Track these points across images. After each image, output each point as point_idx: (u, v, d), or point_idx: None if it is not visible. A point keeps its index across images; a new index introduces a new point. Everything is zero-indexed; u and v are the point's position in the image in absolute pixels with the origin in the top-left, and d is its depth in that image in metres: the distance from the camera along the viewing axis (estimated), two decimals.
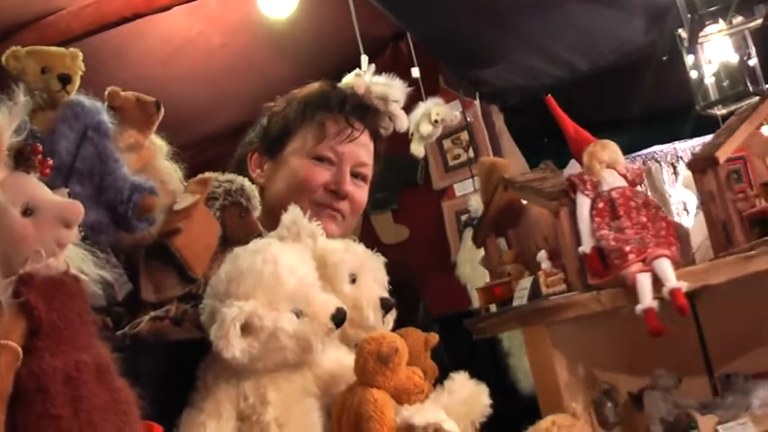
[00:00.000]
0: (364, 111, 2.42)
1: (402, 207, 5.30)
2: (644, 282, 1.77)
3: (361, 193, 2.39)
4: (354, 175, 2.36)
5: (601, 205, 1.92)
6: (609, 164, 1.94)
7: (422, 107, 3.02)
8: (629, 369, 2.02)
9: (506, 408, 2.07)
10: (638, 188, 1.98)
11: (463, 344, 2.30)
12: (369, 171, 2.42)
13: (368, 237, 5.25)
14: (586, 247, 1.86)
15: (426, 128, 3.00)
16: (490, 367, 3.29)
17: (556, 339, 1.96)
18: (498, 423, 1.66)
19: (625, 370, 2.01)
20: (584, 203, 1.94)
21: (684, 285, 1.73)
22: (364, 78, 2.56)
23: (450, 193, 5.06)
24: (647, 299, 1.74)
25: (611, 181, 1.95)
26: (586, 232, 1.89)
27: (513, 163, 5.02)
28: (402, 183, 5.26)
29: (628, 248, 1.82)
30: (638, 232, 1.85)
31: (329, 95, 2.42)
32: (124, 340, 1.59)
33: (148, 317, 1.65)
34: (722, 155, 1.88)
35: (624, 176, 1.95)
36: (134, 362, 1.54)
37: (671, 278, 1.75)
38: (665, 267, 1.78)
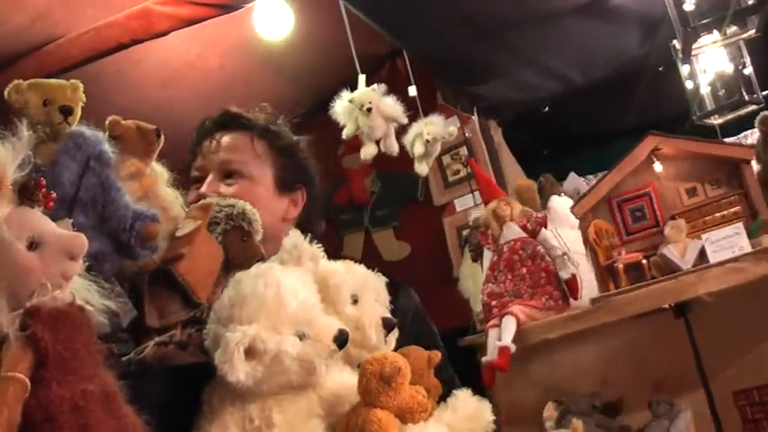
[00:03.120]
0: (223, 122, 2.48)
1: (403, 224, 5.32)
2: (492, 336, 2.00)
3: (237, 190, 2.35)
4: (226, 175, 2.38)
5: (495, 259, 2.13)
6: (511, 217, 2.08)
7: (414, 128, 3.03)
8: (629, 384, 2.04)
9: None
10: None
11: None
12: (243, 165, 2.41)
13: (370, 254, 5.28)
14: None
15: (419, 148, 3.01)
16: None
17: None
18: None
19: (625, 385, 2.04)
20: (486, 257, 2.18)
21: (512, 347, 1.92)
22: (378, 94, 2.59)
23: (451, 208, 5.07)
24: (490, 352, 1.96)
25: (508, 234, 2.13)
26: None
27: (513, 177, 5.05)
28: (403, 200, 5.29)
29: (493, 303, 2.06)
30: (517, 284, 2.05)
31: (198, 130, 2.51)
32: (130, 366, 1.61)
33: (153, 342, 1.66)
34: (578, 212, 2.14)
35: (524, 227, 2.13)
36: (140, 387, 1.57)
37: (505, 337, 1.95)
38: (506, 325, 1.97)
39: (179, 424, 1.52)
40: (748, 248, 1.84)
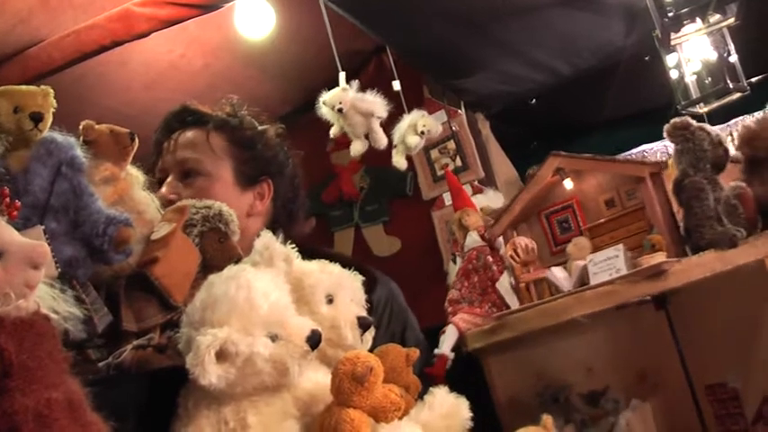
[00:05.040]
0: (181, 119, 2.47)
1: (393, 219, 5.33)
2: (449, 334, 2.19)
3: (197, 189, 2.34)
4: (185, 174, 2.37)
5: (461, 265, 2.30)
6: (474, 227, 2.19)
7: (407, 119, 3.03)
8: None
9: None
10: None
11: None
12: (199, 163, 2.38)
13: (360, 250, 5.29)
14: None
15: (414, 139, 3.01)
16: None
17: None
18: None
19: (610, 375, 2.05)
20: (458, 263, 2.38)
21: (450, 356, 2.11)
22: (348, 93, 2.59)
23: (440, 202, 5.08)
24: (444, 347, 2.15)
25: (469, 243, 2.32)
26: None
27: (502, 170, 5.06)
28: (391, 195, 5.30)
29: (449, 309, 2.26)
30: (470, 292, 2.22)
31: (158, 129, 2.50)
32: (108, 371, 1.61)
33: (131, 346, 1.67)
34: (497, 231, 2.24)
35: (482, 236, 2.29)
36: (118, 391, 1.57)
37: (443, 345, 2.15)
38: (448, 333, 2.18)
39: (157, 427, 1.53)
40: (624, 271, 1.88)
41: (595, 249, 2.04)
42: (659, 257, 1.84)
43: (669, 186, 1.97)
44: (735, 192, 1.86)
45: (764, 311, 1.88)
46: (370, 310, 1.91)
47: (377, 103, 2.60)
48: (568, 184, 2.17)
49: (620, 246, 1.95)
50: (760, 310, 1.88)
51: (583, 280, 1.97)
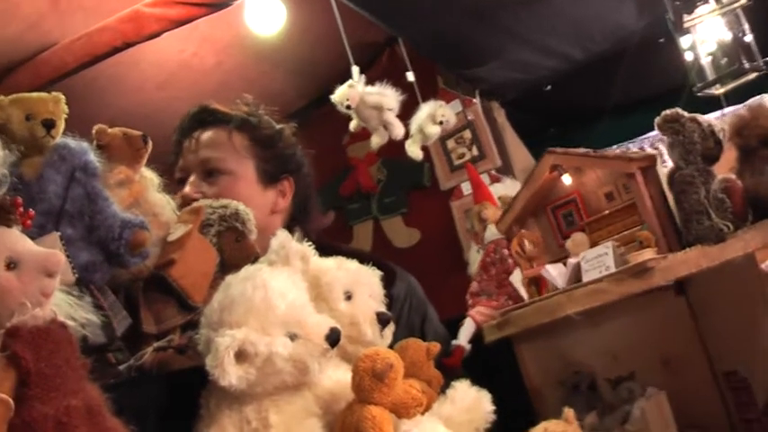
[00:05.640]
0: (200, 119, 2.47)
1: (412, 210, 5.31)
2: (466, 326, 2.26)
3: (221, 187, 2.36)
4: (207, 174, 2.38)
5: (481, 258, 2.37)
6: (493, 220, 2.25)
7: (425, 109, 3.02)
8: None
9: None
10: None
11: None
12: (224, 162, 2.40)
13: (380, 242, 5.28)
14: None
15: (433, 129, 3.00)
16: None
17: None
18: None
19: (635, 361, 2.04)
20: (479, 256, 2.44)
21: (468, 348, 2.20)
22: (356, 89, 2.58)
23: (458, 192, 5.06)
24: (462, 338, 2.23)
25: (488, 236, 2.39)
26: None
27: (519, 158, 5.04)
28: (409, 186, 5.28)
29: (470, 302, 2.31)
30: (488, 285, 2.26)
31: (177, 129, 2.51)
32: (130, 373, 1.62)
33: (152, 348, 1.68)
34: (502, 228, 2.25)
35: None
36: (140, 394, 1.58)
37: (461, 336, 2.24)
38: (466, 326, 2.26)
39: (179, 428, 1.53)
40: (613, 268, 1.87)
41: (594, 243, 2.03)
42: (647, 254, 1.83)
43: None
44: (722, 185, 1.83)
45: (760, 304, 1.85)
46: (389, 305, 1.91)
47: (386, 96, 2.59)
48: (567, 179, 2.16)
49: (610, 243, 1.94)
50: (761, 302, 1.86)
51: (577, 277, 1.96)
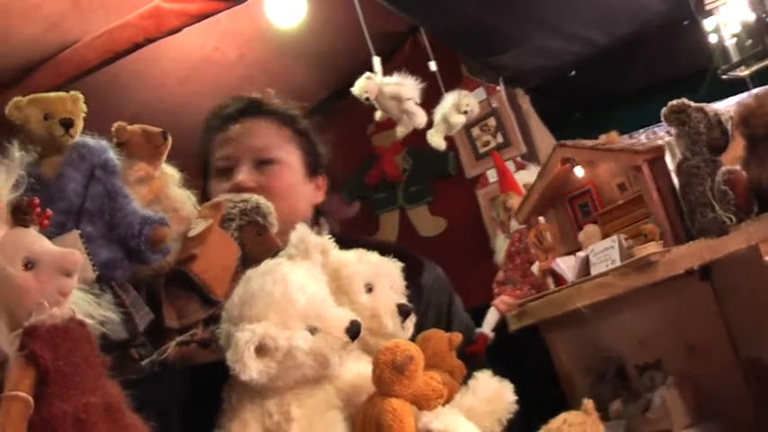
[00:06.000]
0: (247, 109, 2.47)
1: (437, 199, 5.29)
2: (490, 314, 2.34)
3: (272, 176, 2.36)
4: (260, 163, 2.37)
5: (507, 247, 2.44)
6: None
7: (450, 98, 3.00)
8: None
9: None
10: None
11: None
12: (276, 151, 2.41)
13: (406, 231, 5.28)
14: None
15: (458, 118, 2.99)
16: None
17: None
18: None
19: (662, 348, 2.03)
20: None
21: (491, 336, 2.27)
22: (375, 80, 2.58)
23: (484, 180, 5.03)
24: (486, 326, 2.29)
25: (514, 225, 2.45)
26: None
27: (544, 144, 5.01)
28: (434, 175, 5.26)
29: (496, 290, 2.37)
30: (513, 274, 2.31)
31: (209, 119, 2.50)
32: (153, 368, 1.63)
33: (175, 342, 1.69)
34: (520, 219, 2.28)
35: None
36: (164, 388, 1.59)
37: (485, 325, 2.30)
38: (490, 315, 2.34)
39: (202, 422, 1.54)
40: (618, 262, 1.87)
41: (607, 235, 2.02)
42: (651, 248, 1.81)
43: None
44: (725, 177, 1.79)
45: None
46: (419, 295, 1.91)
47: (405, 86, 2.58)
48: (579, 171, 2.15)
49: (616, 236, 1.94)
50: None
51: (586, 270, 1.95)
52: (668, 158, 1.98)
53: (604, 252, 1.89)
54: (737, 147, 1.89)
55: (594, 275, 1.90)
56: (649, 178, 1.93)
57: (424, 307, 2.30)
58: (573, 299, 1.94)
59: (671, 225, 1.90)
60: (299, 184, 2.45)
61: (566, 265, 1.98)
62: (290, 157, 2.44)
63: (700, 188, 1.79)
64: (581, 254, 1.98)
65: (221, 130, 2.44)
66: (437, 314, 2.36)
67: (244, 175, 2.33)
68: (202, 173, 2.47)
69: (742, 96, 2.78)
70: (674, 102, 1.88)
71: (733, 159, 1.87)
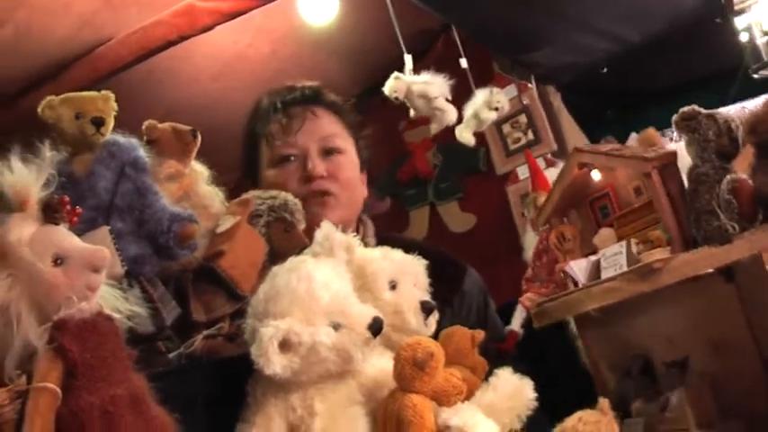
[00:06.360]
0: (311, 97, 2.46)
1: (467, 195, 5.29)
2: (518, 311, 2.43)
3: (338, 166, 2.38)
4: (326, 152, 2.38)
5: (536, 245, 2.43)
6: None
7: (481, 95, 3.00)
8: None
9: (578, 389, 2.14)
10: None
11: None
12: (340, 141, 2.42)
13: (437, 227, 5.28)
14: None
15: (489, 114, 2.99)
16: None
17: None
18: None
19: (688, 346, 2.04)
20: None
21: (520, 333, 2.35)
22: (403, 80, 2.59)
23: (514, 177, 5.02)
24: (515, 323, 2.38)
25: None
26: None
27: (575, 141, 4.99)
28: (465, 171, 5.26)
29: (524, 288, 2.38)
30: (541, 271, 2.31)
31: (260, 107, 2.48)
32: (180, 361, 1.66)
33: (202, 336, 1.72)
34: (541, 221, 2.27)
35: None
36: (190, 380, 1.62)
37: (514, 322, 2.40)
38: (518, 312, 2.43)
39: (227, 415, 1.57)
40: (625, 267, 1.86)
41: (621, 239, 2.01)
42: (656, 254, 1.82)
43: None
44: (729, 185, 1.78)
45: None
46: (462, 300, 1.94)
47: (432, 84, 2.59)
48: (596, 175, 2.15)
49: (624, 242, 1.93)
50: None
51: (596, 274, 1.96)
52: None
53: (614, 257, 1.90)
54: (750, 155, 1.88)
55: (603, 279, 1.91)
56: (659, 185, 1.92)
57: (465, 312, 2.33)
58: (583, 302, 1.94)
59: (681, 231, 1.90)
60: (357, 176, 2.48)
61: (578, 268, 1.98)
62: (350, 147, 2.47)
63: (707, 196, 1.79)
64: (593, 257, 1.98)
65: (282, 117, 2.41)
66: (477, 318, 2.37)
67: (318, 164, 2.34)
68: (246, 163, 2.48)
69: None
70: (685, 108, 1.87)
71: (747, 167, 1.86)
